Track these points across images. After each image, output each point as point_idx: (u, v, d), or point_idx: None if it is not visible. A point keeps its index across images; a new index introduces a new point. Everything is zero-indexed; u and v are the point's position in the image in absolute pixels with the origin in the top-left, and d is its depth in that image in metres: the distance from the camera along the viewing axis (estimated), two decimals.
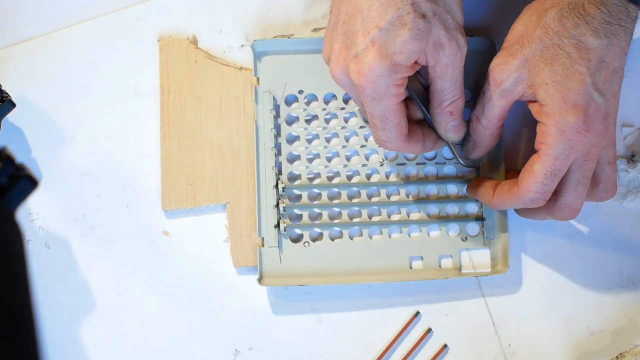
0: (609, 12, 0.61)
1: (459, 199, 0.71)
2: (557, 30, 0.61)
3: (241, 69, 0.72)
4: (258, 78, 0.71)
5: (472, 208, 0.71)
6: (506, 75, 0.63)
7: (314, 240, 0.70)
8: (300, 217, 0.71)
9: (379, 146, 0.65)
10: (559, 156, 0.62)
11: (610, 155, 0.65)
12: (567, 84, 0.61)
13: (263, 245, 0.70)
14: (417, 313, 0.71)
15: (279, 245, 0.70)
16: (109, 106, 0.72)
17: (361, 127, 0.71)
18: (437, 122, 0.65)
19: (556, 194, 0.64)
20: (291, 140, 0.71)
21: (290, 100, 0.71)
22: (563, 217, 0.65)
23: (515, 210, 0.69)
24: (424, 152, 0.67)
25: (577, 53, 0.61)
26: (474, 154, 0.68)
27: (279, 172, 0.70)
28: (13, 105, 0.68)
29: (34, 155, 0.72)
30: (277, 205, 0.70)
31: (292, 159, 0.71)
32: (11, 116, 0.70)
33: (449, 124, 0.65)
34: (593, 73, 0.61)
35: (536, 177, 0.63)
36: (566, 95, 0.61)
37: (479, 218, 0.71)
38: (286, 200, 0.70)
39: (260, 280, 0.69)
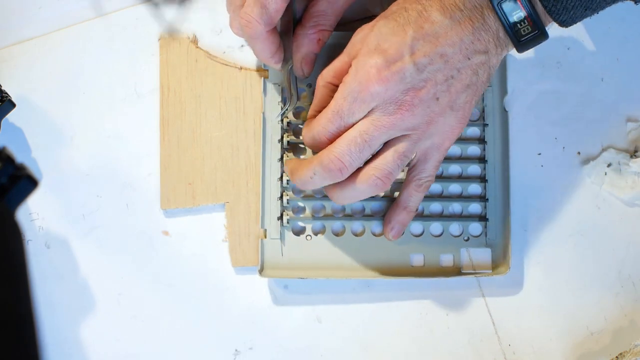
0: (464, 1, 0.61)
1: (462, 198, 0.71)
2: None
3: (241, 68, 0.72)
4: (267, 70, 0.71)
5: (475, 208, 0.71)
6: (357, 32, 0.64)
7: (316, 233, 0.71)
8: (303, 209, 0.71)
9: (237, 27, 0.65)
10: (347, 96, 0.62)
11: (404, 147, 0.63)
12: (388, 37, 0.61)
13: (265, 237, 0.70)
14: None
15: (281, 237, 0.70)
16: (109, 106, 0.72)
17: None
18: (298, 46, 0.66)
19: (334, 142, 0.64)
20: (297, 132, 0.71)
21: (298, 93, 0.71)
22: (327, 164, 0.63)
23: (290, 172, 0.68)
24: (270, 63, 0.67)
25: (416, 18, 0.61)
26: (310, 109, 0.67)
27: (284, 164, 0.70)
28: (13, 105, 0.68)
29: (34, 155, 0.72)
30: (281, 197, 0.70)
31: (297, 152, 0.71)
32: (11, 116, 0.70)
33: (309, 53, 0.66)
34: (418, 39, 0.61)
35: (326, 111, 0.63)
36: (381, 43, 0.61)
37: (482, 218, 0.71)
38: (290, 193, 0.70)
39: (261, 271, 0.69)
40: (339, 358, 0.71)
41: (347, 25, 0.72)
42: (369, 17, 0.73)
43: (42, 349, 0.46)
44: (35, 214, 0.71)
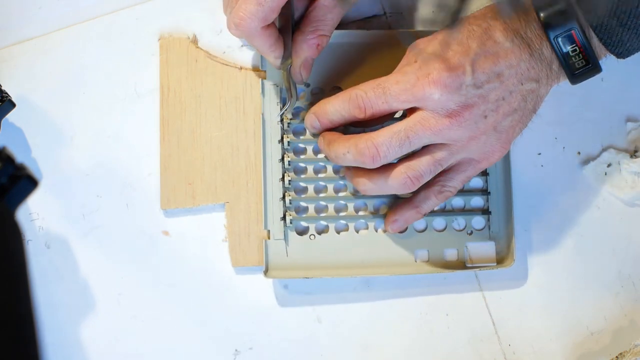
0: (524, 27, 0.63)
1: (465, 192, 0.71)
2: (481, 14, 0.64)
3: (241, 68, 0.72)
4: (265, 71, 0.71)
5: (477, 202, 0.71)
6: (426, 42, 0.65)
7: (319, 233, 0.71)
8: (306, 209, 0.71)
9: (233, 27, 0.64)
10: (399, 81, 0.63)
11: (441, 155, 0.64)
12: (452, 47, 0.62)
13: (269, 238, 0.70)
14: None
15: (285, 238, 0.70)
16: (109, 106, 0.72)
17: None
18: (297, 51, 0.67)
19: (376, 131, 0.64)
20: (297, 132, 0.71)
21: (297, 93, 0.71)
22: (362, 148, 0.64)
23: (322, 145, 0.68)
24: (271, 57, 0.67)
25: (480, 34, 0.63)
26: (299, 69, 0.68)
27: (285, 165, 0.70)
28: (13, 105, 0.68)
29: (34, 155, 0.72)
30: (283, 197, 0.70)
31: (298, 152, 0.71)
32: (11, 116, 0.70)
33: (308, 58, 0.67)
34: (479, 55, 0.62)
35: (370, 82, 0.64)
36: (446, 51, 0.62)
37: (485, 212, 0.71)
38: (292, 193, 0.70)
39: (266, 272, 0.69)
40: (339, 358, 0.71)
41: (346, 25, 0.72)
42: (369, 18, 0.73)
43: (42, 349, 0.46)
44: (35, 214, 0.71)
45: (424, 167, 0.64)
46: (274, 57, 0.67)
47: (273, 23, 0.65)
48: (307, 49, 0.67)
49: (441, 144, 0.64)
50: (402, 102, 0.63)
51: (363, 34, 0.71)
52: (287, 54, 0.67)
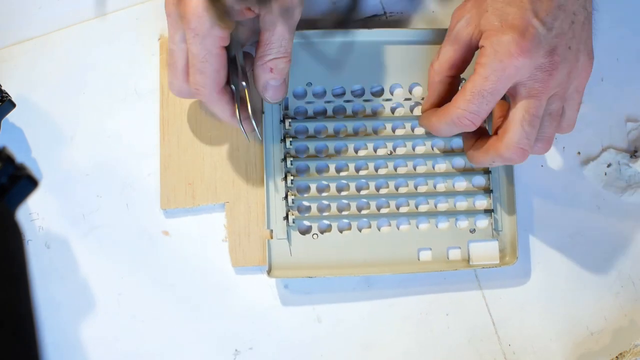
0: None
1: (468, 191, 0.71)
2: None
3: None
4: None
5: (480, 200, 0.71)
6: (459, 17, 0.65)
7: (322, 232, 0.71)
8: (308, 209, 0.71)
9: (191, 94, 0.64)
10: (489, 76, 0.62)
11: (555, 107, 0.64)
12: (505, 9, 0.62)
13: (272, 237, 0.70)
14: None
15: (288, 237, 0.70)
16: (109, 106, 0.72)
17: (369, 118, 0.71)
18: (256, 77, 0.65)
19: (503, 131, 0.64)
20: (299, 132, 0.71)
21: (298, 93, 0.71)
22: (509, 156, 0.64)
23: (467, 156, 0.69)
24: (233, 122, 0.66)
25: None
26: (425, 103, 0.69)
27: (288, 165, 0.70)
28: (13, 105, 0.68)
29: (34, 155, 0.72)
30: (286, 197, 0.70)
31: (300, 151, 0.71)
32: (11, 116, 0.70)
33: (268, 82, 0.65)
34: (534, 1, 0.62)
35: (464, 93, 0.63)
36: (504, 19, 0.62)
37: (488, 210, 0.71)
38: (294, 193, 0.70)
39: (269, 272, 0.69)
40: (339, 358, 0.71)
41: (346, 24, 0.72)
42: (369, 17, 0.73)
43: (42, 349, 0.46)
44: (35, 214, 0.71)
45: (552, 130, 0.65)
46: (236, 123, 0.66)
47: (228, 88, 0.65)
48: (262, 74, 0.65)
49: (552, 96, 0.64)
50: (502, 90, 0.63)
51: (363, 33, 0.71)
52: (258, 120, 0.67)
